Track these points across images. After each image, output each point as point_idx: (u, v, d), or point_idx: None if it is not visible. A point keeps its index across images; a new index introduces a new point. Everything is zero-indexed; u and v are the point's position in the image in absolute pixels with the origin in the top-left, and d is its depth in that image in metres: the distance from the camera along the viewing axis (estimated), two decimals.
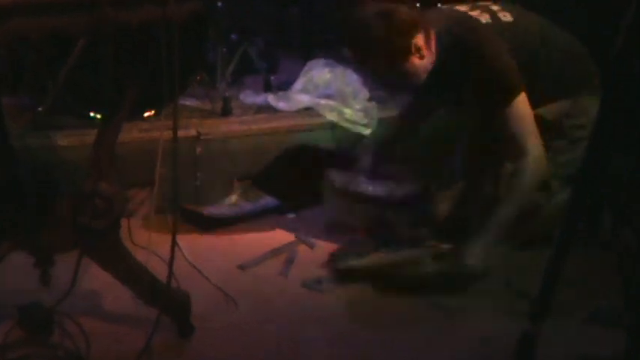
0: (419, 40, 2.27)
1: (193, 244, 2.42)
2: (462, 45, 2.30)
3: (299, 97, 3.06)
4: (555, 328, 1.51)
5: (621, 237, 1.51)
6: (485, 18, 2.35)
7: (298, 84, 3.14)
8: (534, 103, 2.33)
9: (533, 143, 2.28)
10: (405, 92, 2.66)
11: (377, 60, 2.30)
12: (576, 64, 2.42)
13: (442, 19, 2.36)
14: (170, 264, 1.70)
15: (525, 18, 2.43)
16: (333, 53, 3.55)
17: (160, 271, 1.83)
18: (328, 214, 2.57)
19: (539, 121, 2.33)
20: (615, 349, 1.62)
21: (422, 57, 2.29)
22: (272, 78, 3.38)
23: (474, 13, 2.36)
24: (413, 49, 2.26)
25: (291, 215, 2.72)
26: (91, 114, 2.63)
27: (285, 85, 3.25)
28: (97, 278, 1.99)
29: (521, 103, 2.29)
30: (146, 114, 2.77)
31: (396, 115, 2.81)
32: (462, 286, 2.16)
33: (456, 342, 1.94)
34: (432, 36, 2.31)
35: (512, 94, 2.27)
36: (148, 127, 2.70)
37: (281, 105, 3.05)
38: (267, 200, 2.74)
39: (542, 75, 2.37)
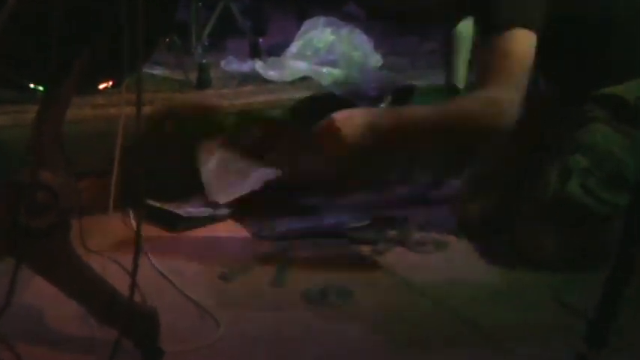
0: None
1: (162, 248, 2.42)
2: None
3: (294, 65, 3.07)
4: (619, 356, 1.49)
5: None
6: None
7: (293, 48, 3.16)
8: (603, 76, 2.33)
9: (503, 89, 2.20)
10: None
11: None
12: None
13: None
14: (133, 273, 1.67)
15: None
16: (336, 10, 3.54)
17: (120, 282, 1.79)
18: None
19: (619, 102, 2.31)
20: None
21: None
22: (260, 41, 3.39)
23: None
24: None
25: None
26: (31, 85, 2.62)
27: (277, 50, 3.25)
28: (40, 292, 1.96)
29: (520, 40, 2.23)
30: (102, 86, 2.76)
31: None
32: None
33: None
34: None
35: (513, 21, 2.22)
36: (104, 102, 2.70)
37: (271, 74, 3.06)
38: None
39: (617, 34, 2.36)
